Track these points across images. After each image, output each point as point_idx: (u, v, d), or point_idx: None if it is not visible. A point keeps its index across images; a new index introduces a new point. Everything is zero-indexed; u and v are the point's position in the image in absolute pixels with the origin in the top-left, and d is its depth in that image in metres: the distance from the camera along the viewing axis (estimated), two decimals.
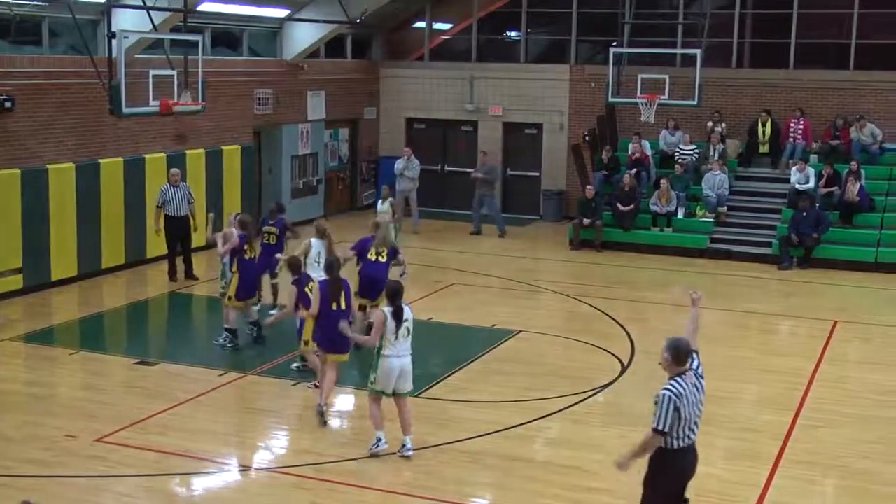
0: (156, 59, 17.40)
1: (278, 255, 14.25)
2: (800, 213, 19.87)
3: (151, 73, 15.72)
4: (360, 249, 13.52)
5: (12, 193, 15.92)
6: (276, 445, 10.75)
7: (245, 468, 10.00)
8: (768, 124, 22.42)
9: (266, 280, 15.00)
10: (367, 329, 11.56)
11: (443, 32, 26.78)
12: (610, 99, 21.65)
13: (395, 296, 9.90)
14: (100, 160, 17.62)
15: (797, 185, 20.89)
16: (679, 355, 7.24)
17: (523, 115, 25.05)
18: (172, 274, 17.64)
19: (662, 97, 20.65)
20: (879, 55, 22.84)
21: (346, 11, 21.96)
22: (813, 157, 21.94)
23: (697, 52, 20.51)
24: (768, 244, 20.40)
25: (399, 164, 22.95)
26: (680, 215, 21.39)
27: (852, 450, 10.54)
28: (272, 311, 14.19)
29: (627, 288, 18.11)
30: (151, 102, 15.62)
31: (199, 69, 16.52)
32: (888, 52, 22.81)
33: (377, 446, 10.07)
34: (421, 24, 26.35)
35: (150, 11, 16.40)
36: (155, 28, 16.76)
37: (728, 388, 11.98)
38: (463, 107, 25.31)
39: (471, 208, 23.04)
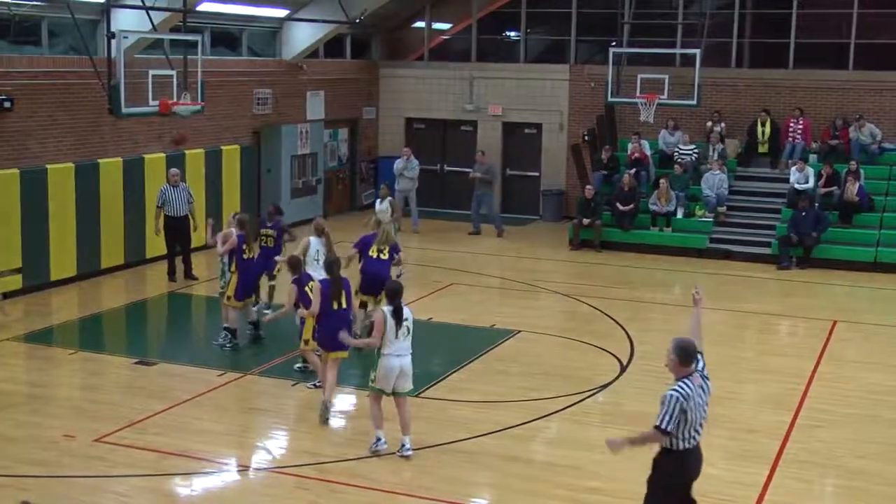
0: (155, 59, 17.39)
1: (277, 258, 14.25)
2: (799, 212, 19.88)
3: (151, 73, 15.73)
4: (362, 247, 13.58)
5: (12, 193, 15.92)
6: (275, 445, 10.76)
7: (244, 468, 10.00)
8: (767, 124, 22.43)
9: (264, 282, 14.98)
10: (369, 329, 11.56)
11: (442, 32, 26.77)
12: (609, 99, 21.67)
13: (395, 295, 9.93)
14: (99, 160, 17.62)
15: (796, 185, 20.90)
16: (686, 357, 7.22)
17: (523, 114, 25.05)
18: (172, 274, 17.64)
19: (662, 97, 20.66)
20: (879, 55, 22.85)
21: (345, 11, 21.97)
22: (812, 157, 21.95)
23: (697, 51, 20.51)
24: (767, 244, 20.41)
25: (398, 164, 22.95)
26: (679, 215, 21.40)
27: (851, 450, 10.55)
28: (266, 311, 14.16)
29: (627, 288, 18.11)
30: (151, 102, 15.64)
31: (199, 69, 16.54)
32: (887, 51, 22.82)
33: (377, 445, 10.09)
34: (420, 24, 26.35)
35: (150, 11, 16.40)
36: (154, 28, 16.77)
37: (727, 388, 11.96)
38: (462, 107, 25.31)
39: (470, 208, 23.05)
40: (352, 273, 12.81)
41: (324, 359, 11.25)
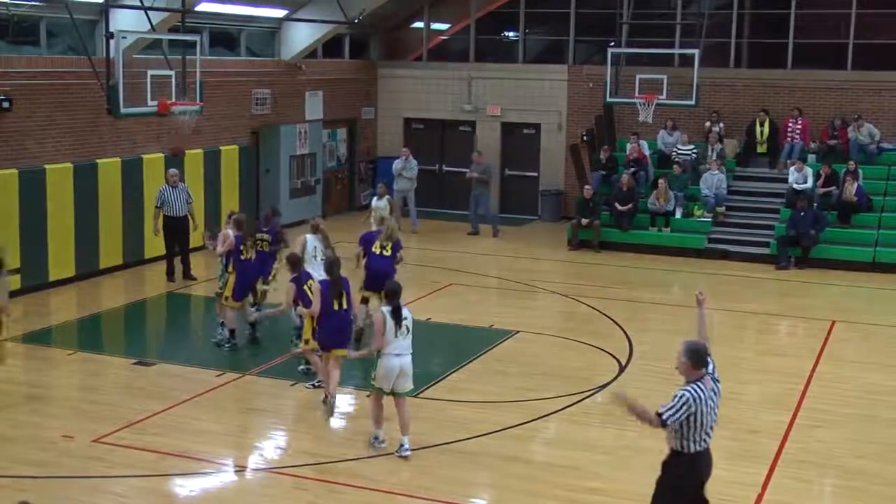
0: (154, 59, 17.39)
1: (276, 265, 14.19)
2: (798, 212, 19.88)
3: (149, 73, 15.72)
4: (366, 243, 13.61)
5: (10, 194, 15.91)
6: (274, 446, 10.76)
7: (243, 468, 10.01)
8: (766, 124, 22.44)
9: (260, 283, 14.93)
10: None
11: (441, 32, 26.77)
12: (608, 99, 21.67)
13: (394, 295, 9.97)
14: (98, 160, 17.61)
15: (795, 185, 20.90)
16: (698, 360, 7.22)
17: (521, 115, 25.04)
18: (170, 274, 17.64)
19: (660, 97, 20.65)
20: (877, 55, 22.86)
21: (344, 12, 21.96)
22: (811, 157, 21.96)
23: (695, 52, 20.49)
24: (766, 244, 20.41)
25: (397, 165, 22.95)
26: (678, 215, 21.40)
27: (850, 449, 10.55)
28: (253, 308, 14.03)
29: (625, 288, 18.10)
30: (149, 102, 15.63)
31: (197, 69, 16.54)
32: (886, 52, 22.83)
33: (375, 443, 10.18)
34: (419, 25, 26.35)
35: (148, 11, 16.40)
36: (153, 28, 16.77)
37: (726, 389, 11.70)
38: (461, 107, 25.31)
39: (468, 209, 23.04)
40: (352, 272, 12.79)
41: (324, 358, 11.26)
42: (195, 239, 17.68)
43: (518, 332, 14.79)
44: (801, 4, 23.14)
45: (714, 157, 21.88)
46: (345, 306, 11.10)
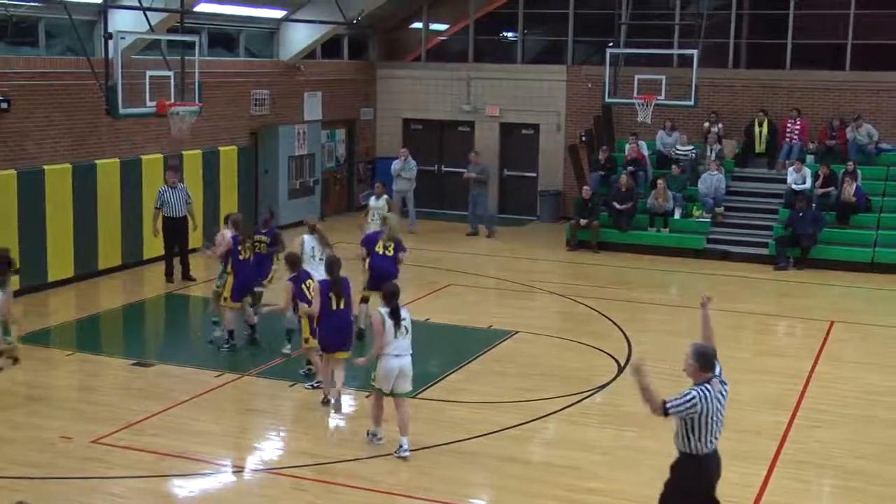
0: (152, 59, 17.40)
1: (275, 267, 14.18)
2: (796, 213, 19.89)
3: (148, 73, 15.71)
4: (369, 244, 13.62)
5: (9, 194, 15.91)
6: (273, 446, 10.76)
7: (242, 469, 10.00)
8: (765, 125, 22.44)
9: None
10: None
11: (439, 33, 26.78)
12: (607, 99, 21.66)
13: (392, 297, 9.99)
14: (96, 161, 17.61)
15: (794, 186, 20.90)
16: (706, 362, 7.29)
17: (520, 115, 25.05)
18: (169, 275, 17.63)
19: (659, 98, 20.65)
20: (875, 55, 22.87)
21: (342, 12, 21.95)
22: (809, 158, 21.98)
23: (694, 52, 20.51)
24: (765, 244, 20.41)
25: (396, 165, 22.96)
26: (677, 216, 21.40)
27: (849, 450, 10.56)
28: (252, 309, 14.04)
29: (624, 288, 18.11)
30: (148, 103, 15.62)
31: (196, 70, 16.52)
32: (884, 52, 22.84)
33: (373, 440, 10.27)
34: (417, 25, 26.35)
35: (147, 12, 16.39)
36: (151, 29, 16.76)
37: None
38: (460, 107, 25.31)
39: (467, 209, 23.04)
40: (352, 272, 12.78)
41: (325, 359, 11.26)
42: (194, 239, 17.68)
43: (517, 332, 14.79)
44: (799, 5, 23.16)
45: (713, 158, 21.88)
46: (342, 306, 11.10)
